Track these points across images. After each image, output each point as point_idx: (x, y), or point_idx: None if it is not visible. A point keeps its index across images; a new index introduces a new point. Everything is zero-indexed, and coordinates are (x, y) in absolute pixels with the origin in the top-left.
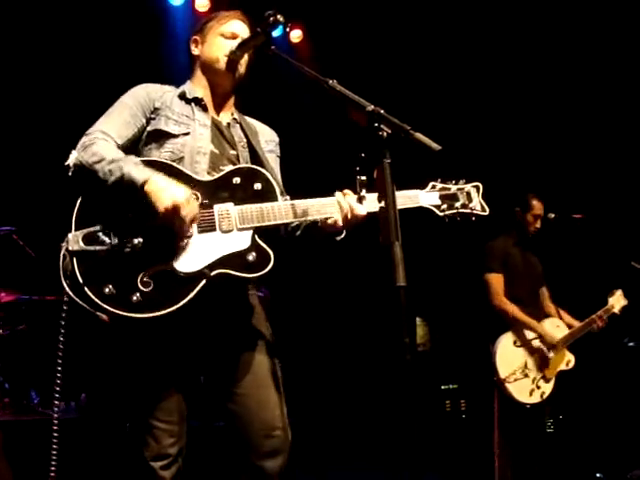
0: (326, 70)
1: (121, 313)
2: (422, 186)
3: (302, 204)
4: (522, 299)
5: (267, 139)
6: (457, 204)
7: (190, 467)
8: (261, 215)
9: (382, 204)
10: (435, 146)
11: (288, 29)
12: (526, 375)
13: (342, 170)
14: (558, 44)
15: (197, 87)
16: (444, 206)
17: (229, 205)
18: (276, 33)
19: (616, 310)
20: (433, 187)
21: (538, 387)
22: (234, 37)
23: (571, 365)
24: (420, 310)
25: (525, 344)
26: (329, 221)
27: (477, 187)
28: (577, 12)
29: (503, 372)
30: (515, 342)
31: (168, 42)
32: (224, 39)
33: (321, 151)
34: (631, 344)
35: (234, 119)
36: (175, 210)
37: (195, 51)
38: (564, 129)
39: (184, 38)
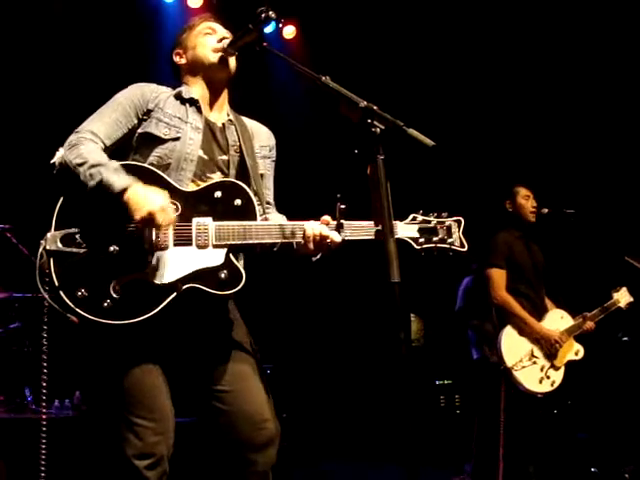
0: (319, 66)
1: (91, 318)
2: (401, 218)
3: (279, 226)
4: (527, 294)
5: (262, 144)
6: (435, 238)
7: (182, 464)
8: (238, 234)
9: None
10: (429, 142)
11: (281, 25)
12: (534, 363)
13: (332, 172)
14: (549, 40)
15: (193, 88)
16: (422, 239)
17: (208, 220)
18: (269, 29)
19: (622, 305)
20: (413, 219)
21: (548, 376)
22: (213, 31)
23: (580, 355)
24: (414, 306)
25: (530, 333)
26: (303, 244)
27: (458, 222)
28: (564, 6)
29: (510, 360)
30: (519, 332)
31: (160, 39)
32: (205, 35)
33: (314, 149)
34: (625, 339)
35: (229, 120)
36: (151, 218)
37: (181, 61)
38: (556, 124)
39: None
